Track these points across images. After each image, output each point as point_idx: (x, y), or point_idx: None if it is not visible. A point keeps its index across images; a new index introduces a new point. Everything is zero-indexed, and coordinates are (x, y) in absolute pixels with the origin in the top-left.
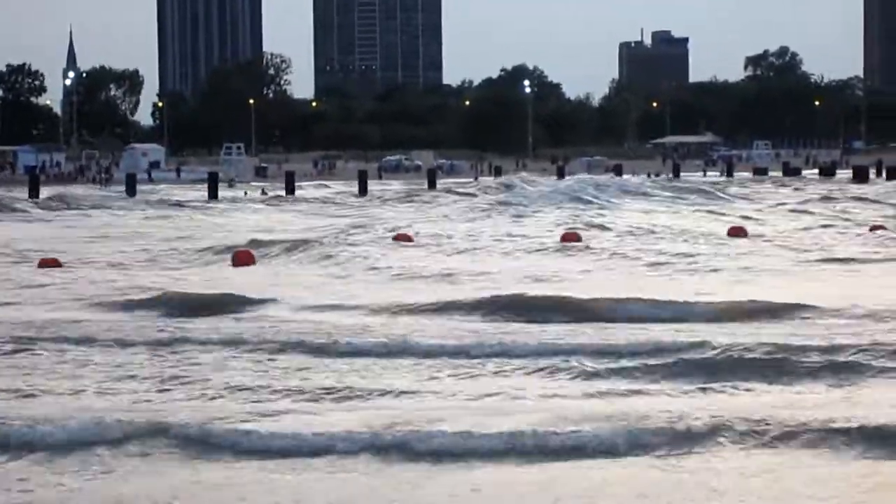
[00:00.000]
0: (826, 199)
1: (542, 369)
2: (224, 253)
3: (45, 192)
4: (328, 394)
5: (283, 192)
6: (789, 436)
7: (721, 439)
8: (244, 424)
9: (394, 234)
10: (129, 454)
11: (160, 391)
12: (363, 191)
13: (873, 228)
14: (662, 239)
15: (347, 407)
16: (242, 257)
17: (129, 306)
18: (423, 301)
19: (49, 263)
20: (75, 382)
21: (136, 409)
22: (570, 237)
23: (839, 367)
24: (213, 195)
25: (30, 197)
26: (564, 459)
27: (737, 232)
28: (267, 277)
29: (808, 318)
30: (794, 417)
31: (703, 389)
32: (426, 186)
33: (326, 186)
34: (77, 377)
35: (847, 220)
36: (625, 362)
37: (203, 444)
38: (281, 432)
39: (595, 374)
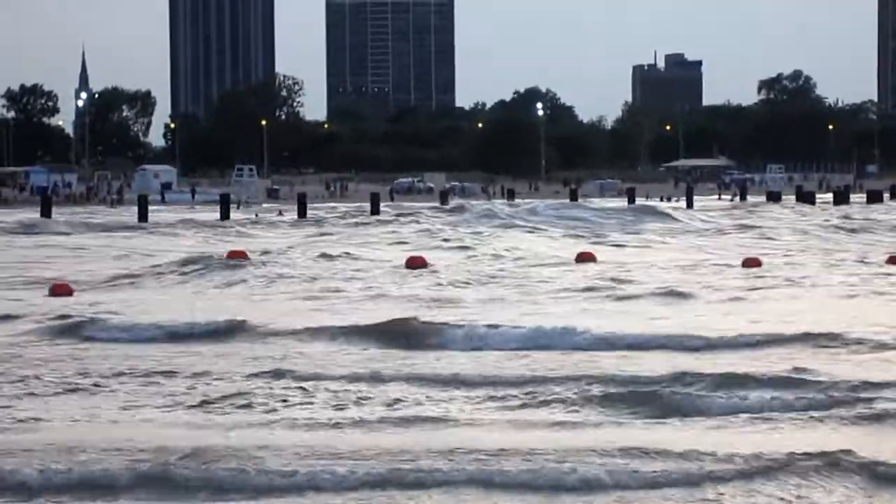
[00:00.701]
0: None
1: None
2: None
3: (55, 213)
4: None
5: (296, 215)
6: None
7: None
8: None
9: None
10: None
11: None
12: (375, 211)
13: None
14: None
15: None
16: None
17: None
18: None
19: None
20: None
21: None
22: (585, 256)
23: None
24: (225, 216)
25: (42, 214)
26: None
27: (751, 262)
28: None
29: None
30: None
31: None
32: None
33: (336, 208)
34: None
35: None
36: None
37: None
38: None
39: None
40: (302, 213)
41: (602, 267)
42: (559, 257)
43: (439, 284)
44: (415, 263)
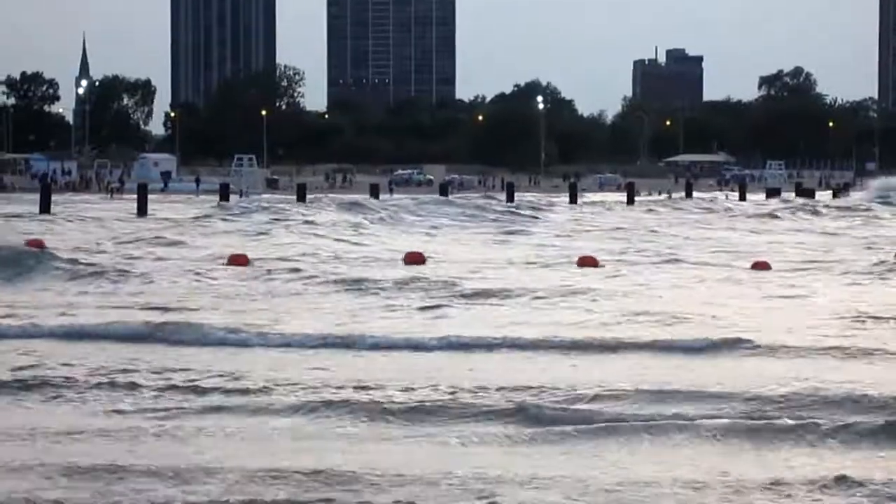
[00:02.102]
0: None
1: None
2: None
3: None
4: None
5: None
6: None
7: None
8: None
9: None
10: None
11: None
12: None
13: None
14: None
15: None
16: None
17: None
18: None
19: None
20: None
21: None
22: (587, 261)
23: None
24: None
25: (41, 210)
26: None
27: (760, 266)
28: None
29: None
30: None
31: None
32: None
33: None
34: None
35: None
36: None
37: None
38: None
39: None
40: (301, 200)
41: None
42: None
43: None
44: None
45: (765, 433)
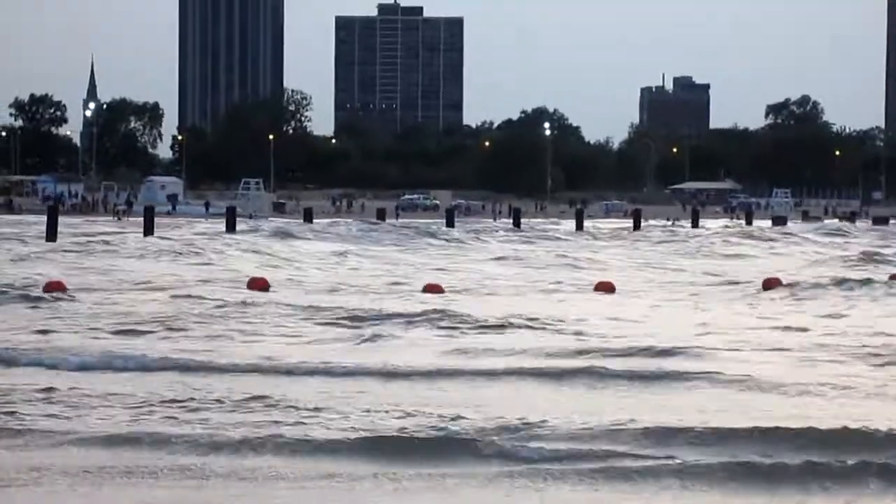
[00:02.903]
0: None
1: None
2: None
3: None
4: None
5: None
6: None
7: None
8: None
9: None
10: None
11: None
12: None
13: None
14: None
15: None
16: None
17: None
18: None
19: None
20: None
21: None
22: (604, 286)
23: None
24: (230, 228)
25: (47, 238)
26: None
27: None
28: None
29: None
30: None
31: None
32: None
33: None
34: None
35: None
36: None
37: None
38: None
39: None
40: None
41: None
42: None
43: None
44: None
45: None
